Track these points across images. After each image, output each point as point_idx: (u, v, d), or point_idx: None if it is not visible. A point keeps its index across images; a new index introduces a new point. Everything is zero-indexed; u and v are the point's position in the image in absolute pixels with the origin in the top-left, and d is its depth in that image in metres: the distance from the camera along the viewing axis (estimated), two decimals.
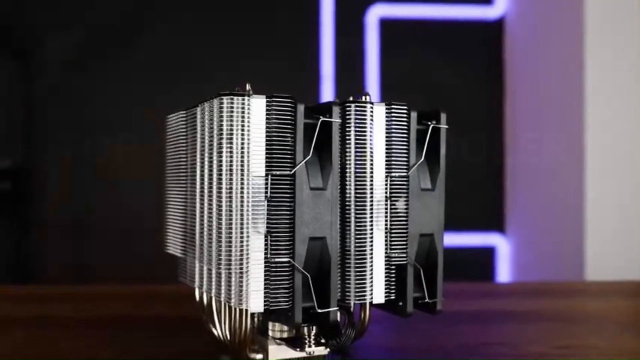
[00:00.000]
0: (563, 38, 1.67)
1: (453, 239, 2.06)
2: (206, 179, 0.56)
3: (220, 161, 0.54)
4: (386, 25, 2.05)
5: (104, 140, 2.00)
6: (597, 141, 1.54)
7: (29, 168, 2.05)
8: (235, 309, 0.56)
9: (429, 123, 0.60)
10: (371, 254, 0.56)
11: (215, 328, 0.61)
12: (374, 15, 2.04)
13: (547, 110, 1.80)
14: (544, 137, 1.82)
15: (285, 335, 0.60)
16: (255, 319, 0.62)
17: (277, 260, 0.53)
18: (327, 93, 2.01)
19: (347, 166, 0.56)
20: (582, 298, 1.06)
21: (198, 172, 0.59)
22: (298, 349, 0.58)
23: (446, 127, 0.60)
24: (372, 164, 0.57)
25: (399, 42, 2.05)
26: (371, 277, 0.56)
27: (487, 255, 2.10)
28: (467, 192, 2.09)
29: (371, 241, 0.56)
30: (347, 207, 0.56)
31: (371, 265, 0.56)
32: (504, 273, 2.06)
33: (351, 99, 0.57)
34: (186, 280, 0.65)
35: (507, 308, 0.92)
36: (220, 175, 0.54)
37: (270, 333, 0.60)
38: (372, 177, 0.57)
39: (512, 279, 2.03)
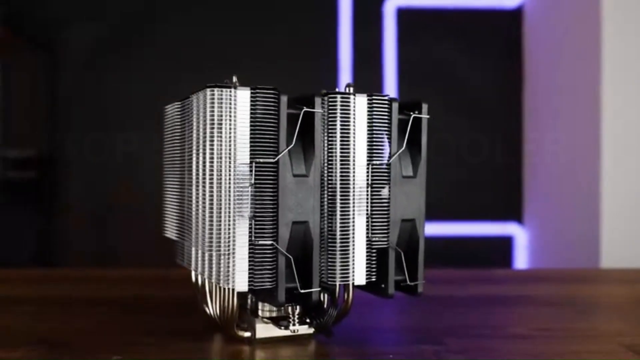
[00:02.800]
0: (582, 27, 1.67)
1: (473, 228, 2.08)
2: (200, 167, 0.60)
3: (211, 149, 0.57)
4: (403, 14, 2.06)
5: (123, 133, 2.06)
6: (612, 131, 1.54)
7: (53, 157, 2.11)
8: (224, 289, 0.60)
9: (411, 113, 0.63)
10: (353, 237, 0.59)
11: (208, 307, 0.65)
12: (391, 5, 2.06)
13: (565, 101, 1.80)
14: (561, 128, 1.82)
15: (274, 315, 0.63)
16: (249, 300, 0.65)
17: (261, 242, 0.57)
18: (345, 83, 2.04)
19: (331, 154, 0.59)
20: (587, 284, 1.07)
21: (194, 160, 0.62)
22: (283, 327, 0.61)
23: (427, 117, 0.63)
24: (354, 153, 0.59)
25: (416, 31, 2.07)
26: (353, 260, 0.59)
27: (505, 244, 2.11)
28: (486, 184, 2.10)
29: (353, 225, 0.59)
30: (331, 194, 0.59)
31: (353, 248, 0.59)
32: (521, 261, 2.07)
33: (337, 90, 0.60)
34: (183, 262, 0.68)
35: (510, 293, 0.94)
36: (212, 162, 0.57)
37: (259, 313, 0.63)
38: (354, 165, 0.59)
39: (529, 267, 2.03)
